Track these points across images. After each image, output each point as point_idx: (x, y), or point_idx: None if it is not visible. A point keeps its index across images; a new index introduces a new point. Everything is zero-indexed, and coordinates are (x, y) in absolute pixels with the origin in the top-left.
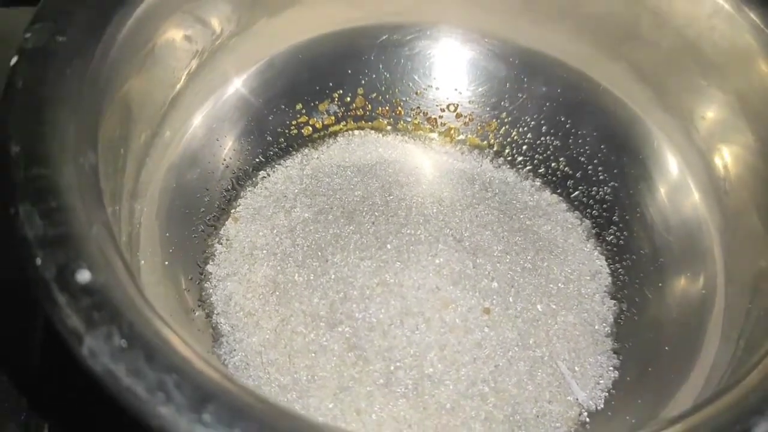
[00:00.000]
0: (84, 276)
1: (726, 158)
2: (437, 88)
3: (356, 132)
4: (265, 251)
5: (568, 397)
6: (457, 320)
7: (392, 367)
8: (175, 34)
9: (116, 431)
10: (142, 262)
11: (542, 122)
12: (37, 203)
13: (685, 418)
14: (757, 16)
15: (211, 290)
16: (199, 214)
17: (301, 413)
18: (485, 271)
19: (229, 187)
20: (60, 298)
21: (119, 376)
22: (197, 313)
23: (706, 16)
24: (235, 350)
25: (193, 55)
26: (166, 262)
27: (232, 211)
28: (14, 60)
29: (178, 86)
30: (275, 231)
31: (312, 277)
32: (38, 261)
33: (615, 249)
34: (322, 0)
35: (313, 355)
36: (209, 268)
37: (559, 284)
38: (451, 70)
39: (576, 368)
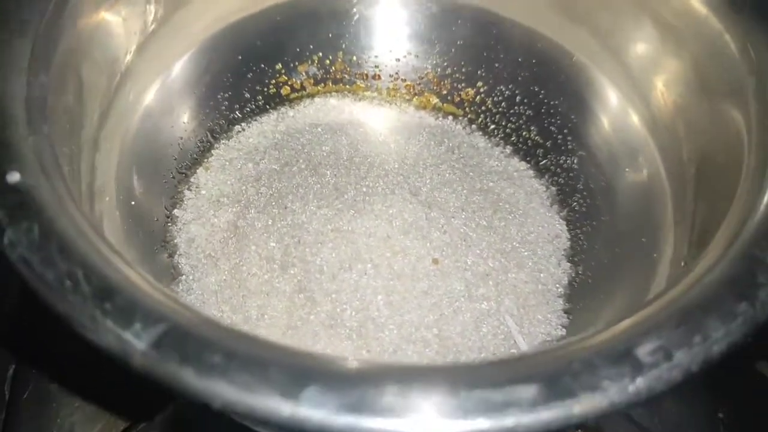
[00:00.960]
0: (14, 177)
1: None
2: (416, 56)
3: (334, 94)
4: (230, 198)
5: (513, 350)
6: (405, 268)
7: (339, 310)
8: None
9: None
10: (107, 199)
11: (516, 92)
12: None
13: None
14: None
15: (175, 233)
16: (171, 162)
17: (196, 309)
18: (438, 224)
19: (204, 138)
20: None
21: (33, 265)
22: (159, 253)
23: None
24: (192, 288)
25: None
26: (133, 203)
27: (204, 161)
28: None
29: (152, 28)
30: (242, 180)
31: (270, 223)
32: None
33: (577, 215)
34: None
35: (266, 295)
36: (176, 212)
37: (515, 243)
38: (430, 39)
39: (524, 324)
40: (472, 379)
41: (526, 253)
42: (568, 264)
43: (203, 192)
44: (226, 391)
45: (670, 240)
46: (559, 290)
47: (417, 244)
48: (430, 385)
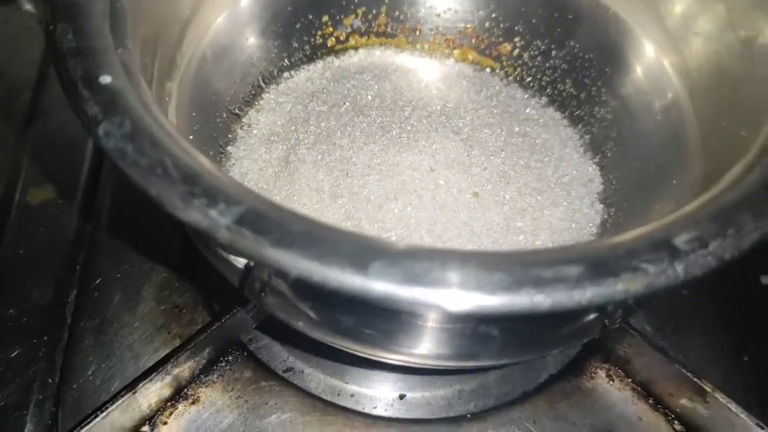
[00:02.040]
0: (106, 79)
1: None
2: (456, 11)
3: (378, 46)
4: (280, 137)
5: None
6: (448, 200)
7: (384, 236)
8: None
9: None
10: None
11: (552, 47)
12: (73, 21)
13: None
14: None
15: (228, 168)
16: (225, 102)
17: (276, 201)
18: (479, 161)
19: (255, 83)
20: (84, 92)
21: (128, 153)
22: None
23: None
24: None
25: None
26: (190, 137)
27: (255, 103)
28: None
29: None
30: (292, 120)
31: (319, 158)
32: (69, 65)
33: (610, 161)
34: None
35: None
36: (230, 149)
37: (551, 183)
38: None
39: None
40: (527, 260)
41: (561, 194)
42: (601, 206)
43: (255, 131)
44: (302, 263)
45: (699, 182)
46: (593, 230)
47: (459, 178)
48: (493, 265)
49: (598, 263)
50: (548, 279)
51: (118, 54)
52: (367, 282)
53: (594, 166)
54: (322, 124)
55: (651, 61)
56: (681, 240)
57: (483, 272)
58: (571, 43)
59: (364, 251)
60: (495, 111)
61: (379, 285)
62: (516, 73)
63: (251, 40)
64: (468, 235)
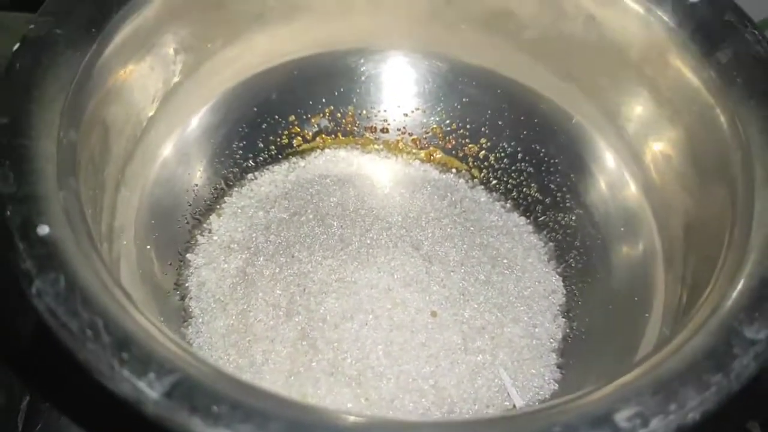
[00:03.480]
0: (43, 230)
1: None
2: (424, 111)
3: (343, 147)
4: (240, 245)
5: (506, 403)
6: (405, 320)
7: (339, 358)
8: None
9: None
10: (125, 242)
11: (518, 149)
12: (14, 166)
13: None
14: (664, 13)
15: (187, 276)
16: (186, 207)
17: (206, 360)
18: (438, 278)
19: (218, 186)
20: (20, 245)
21: (58, 314)
22: (171, 296)
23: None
24: (201, 331)
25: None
26: (148, 247)
27: (217, 207)
28: (16, 46)
29: (174, 80)
30: (252, 228)
31: (278, 271)
32: (7, 213)
33: (573, 271)
34: (317, 21)
35: (270, 341)
36: (189, 256)
37: (511, 298)
38: (437, 96)
39: (518, 377)
40: None
41: (522, 308)
42: (563, 319)
43: (215, 238)
44: None
45: (660, 301)
46: (554, 345)
47: (417, 297)
48: None
49: None
50: None
51: (60, 198)
52: None
53: (557, 276)
54: (282, 234)
55: (612, 172)
56: (622, 416)
57: None
58: (537, 147)
59: (296, 429)
60: (457, 220)
61: None
62: (482, 175)
63: (214, 141)
64: (425, 357)
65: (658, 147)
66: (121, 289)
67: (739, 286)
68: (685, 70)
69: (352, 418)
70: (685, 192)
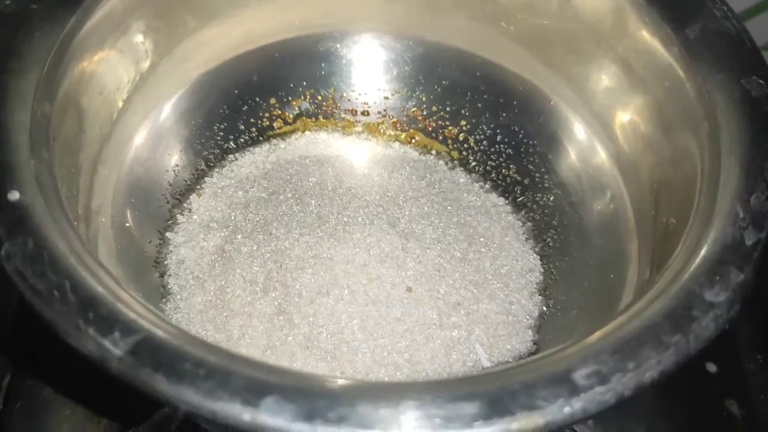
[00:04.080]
0: (14, 195)
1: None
2: (404, 94)
3: (324, 128)
4: (219, 223)
5: None
6: (380, 295)
7: (315, 332)
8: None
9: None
10: (103, 219)
11: (497, 132)
12: None
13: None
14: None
15: (166, 254)
16: (166, 187)
17: (171, 322)
18: (414, 255)
19: (199, 167)
20: None
21: (26, 276)
22: (150, 273)
23: None
24: (179, 308)
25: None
26: (127, 224)
27: (197, 188)
28: None
29: (147, 62)
30: (231, 207)
31: (255, 248)
32: None
33: (551, 250)
34: (298, 3)
35: (248, 316)
36: (168, 234)
37: (488, 275)
38: (417, 79)
39: (493, 353)
40: (418, 395)
41: (498, 285)
42: (540, 297)
43: (195, 217)
44: (192, 397)
45: (633, 276)
46: (530, 322)
47: (392, 273)
48: (380, 399)
49: (494, 400)
50: (441, 419)
51: (31, 166)
52: (257, 417)
53: (534, 255)
54: (261, 212)
55: (585, 147)
56: (580, 374)
57: (372, 408)
58: (516, 129)
59: (257, 386)
60: (436, 199)
61: (271, 421)
62: (461, 157)
63: (195, 122)
64: (401, 332)
65: (628, 118)
66: (91, 253)
67: (702, 252)
68: (656, 45)
69: (311, 376)
70: (655, 160)
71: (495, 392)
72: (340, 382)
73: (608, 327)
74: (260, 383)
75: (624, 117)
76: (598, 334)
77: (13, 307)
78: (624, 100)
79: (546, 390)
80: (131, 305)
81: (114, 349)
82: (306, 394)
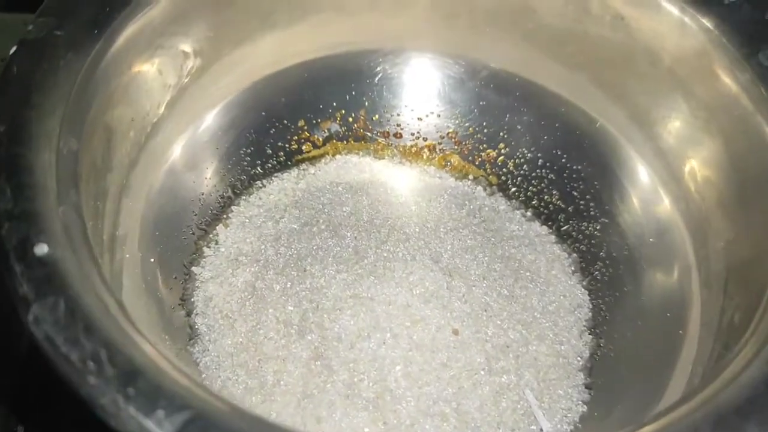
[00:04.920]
0: (42, 249)
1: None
2: (439, 115)
3: (354, 152)
4: (249, 257)
5: (532, 427)
6: (425, 339)
7: (356, 379)
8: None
9: None
10: (127, 255)
11: (539, 155)
12: (11, 179)
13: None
14: (709, 21)
15: (193, 291)
16: (192, 217)
17: (219, 395)
18: (459, 293)
19: (224, 194)
20: (16, 267)
21: (58, 343)
22: (177, 311)
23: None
24: (208, 350)
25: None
26: (152, 259)
27: (224, 217)
28: (14, 49)
29: (181, 84)
30: (261, 239)
31: (289, 285)
32: (3, 231)
33: (599, 284)
34: (329, 21)
35: (282, 361)
36: (194, 269)
37: (536, 314)
38: (453, 99)
39: (544, 399)
40: None
41: (547, 324)
42: (590, 336)
43: (222, 249)
44: None
45: (696, 318)
46: (581, 363)
47: (437, 314)
48: None
49: None
50: None
51: (60, 214)
52: None
53: (582, 289)
54: (293, 246)
55: (640, 180)
56: None
57: None
58: (558, 153)
59: None
60: (477, 230)
61: None
62: (500, 182)
63: (221, 148)
64: (447, 378)
65: (692, 155)
66: (126, 316)
67: None
68: (723, 73)
69: None
70: (723, 207)
71: None
72: None
73: (701, 396)
74: None
75: (688, 152)
76: (689, 405)
77: (21, 359)
78: (685, 131)
79: None
80: (174, 376)
81: (158, 430)
82: None
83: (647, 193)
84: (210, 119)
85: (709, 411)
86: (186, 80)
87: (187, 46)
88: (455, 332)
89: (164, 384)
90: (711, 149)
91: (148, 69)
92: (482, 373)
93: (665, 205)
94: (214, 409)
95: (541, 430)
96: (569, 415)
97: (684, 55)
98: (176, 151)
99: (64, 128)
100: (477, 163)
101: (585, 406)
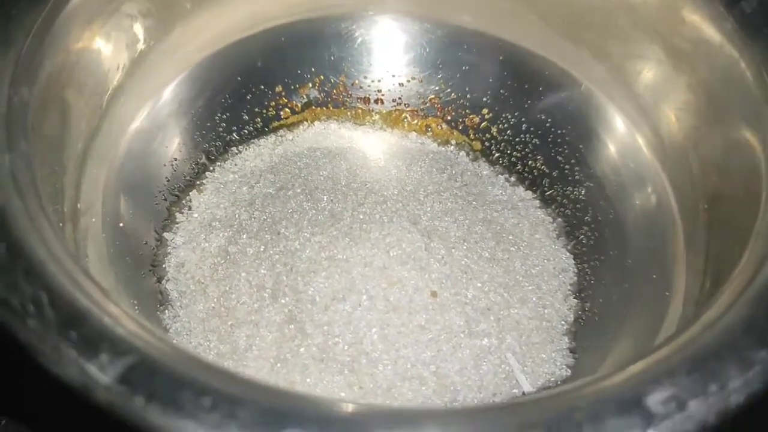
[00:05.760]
0: None
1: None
2: (420, 81)
3: (334, 118)
4: (222, 222)
5: (514, 390)
6: (402, 300)
7: (330, 343)
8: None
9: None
10: (93, 219)
11: (522, 120)
12: None
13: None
14: None
15: (164, 257)
16: (164, 183)
17: (169, 340)
18: (438, 255)
19: (199, 160)
20: None
21: None
22: (147, 278)
23: None
24: (178, 316)
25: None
26: (121, 224)
27: (198, 183)
28: None
29: (140, 45)
30: (236, 204)
31: (262, 249)
32: None
33: (585, 248)
34: None
35: (254, 325)
36: (166, 235)
37: (518, 277)
38: (435, 64)
39: (527, 363)
40: (469, 427)
41: (530, 288)
42: (575, 300)
43: (195, 215)
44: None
45: (682, 277)
46: (565, 327)
47: (415, 275)
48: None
49: (555, 427)
50: None
51: (6, 161)
52: None
53: (567, 254)
54: (268, 210)
55: (624, 139)
56: (655, 399)
57: None
58: (542, 117)
59: (273, 418)
60: (459, 194)
61: None
62: (483, 147)
63: (195, 112)
64: (425, 341)
65: (675, 108)
66: (75, 260)
67: None
68: (704, 23)
69: (335, 406)
70: (706, 156)
71: (556, 421)
72: (371, 409)
73: (678, 340)
74: (274, 414)
75: (668, 104)
76: (666, 349)
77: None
78: (668, 84)
79: (615, 419)
80: (121, 321)
81: (100, 375)
82: (329, 427)
83: (629, 150)
84: (180, 82)
85: (687, 355)
86: (150, 42)
87: (151, 4)
88: (434, 294)
89: (109, 327)
90: (692, 102)
91: (108, 27)
92: (462, 335)
93: (646, 159)
94: (159, 353)
95: (524, 394)
96: (552, 378)
97: (664, 7)
98: (142, 116)
99: (16, 77)
100: (460, 128)
101: (569, 370)
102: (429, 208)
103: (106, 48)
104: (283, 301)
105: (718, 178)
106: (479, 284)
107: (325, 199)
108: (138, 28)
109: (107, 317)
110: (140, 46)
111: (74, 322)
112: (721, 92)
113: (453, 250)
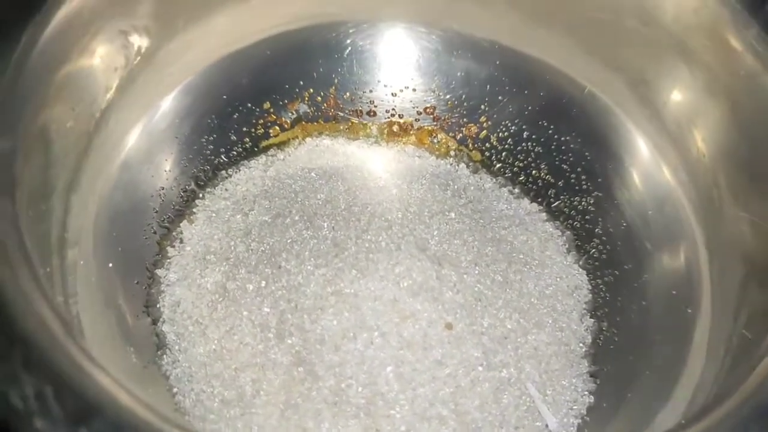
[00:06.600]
0: None
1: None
2: (414, 90)
3: (326, 134)
4: (218, 255)
5: (537, 423)
6: (416, 335)
7: (343, 385)
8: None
9: None
10: (81, 262)
11: (523, 127)
12: None
13: None
14: None
15: (158, 296)
16: (153, 214)
17: (184, 425)
18: (450, 283)
19: (188, 187)
20: None
21: None
22: (141, 320)
23: None
24: (178, 361)
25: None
26: (110, 264)
27: (188, 212)
28: None
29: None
30: (230, 234)
31: (263, 285)
32: None
33: (597, 263)
34: None
35: (260, 368)
36: (159, 272)
37: (533, 299)
38: (429, 72)
39: (547, 392)
40: None
41: (545, 310)
42: (591, 319)
43: (188, 248)
44: None
45: (708, 295)
46: (583, 350)
47: (428, 308)
48: None
49: None
50: None
51: None
52: None
53: (579, 270)
54: (266, 240)
55: (636, 147)
56: None
57: None
58: (544, 124)
59: None
60: (464, 212)
61: None
62: (484, 158)
63: (179, 137)
64: (443, 377)
65: (693, 120)
66: (77, 341)
67: None
68: (726, 30)
69: None
70: (731, 175)
71: None
72: None
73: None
74: None
75: (684, 115)
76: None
77: None
78: (684, 92)
79: None
80: (138, 413)
81: None
82: None
83: (644, 163)
84: (165, 106)
85: (756, 406)
86: (135, 62)
87: (131, 26)
88: (448, 326)
89: (124, 422)
90: (714, 114)
91: (88, 54)
92: (480, 368)
93: (665, 175)
94: None
95: (547, 426)
96: (575, 407)
97: (682, 11)
98: (130, 143)
99: None
100: (458, 139)
101: (591, 396)
102: (436, 231)
103: (89, 74)
104: (289, 341)
105: (746, 193)
106: (494, 311)
107: (325, 226)
108: (128, 47)
109: (121, 410)
110: (130, 63)
111: (85, 418)
112: (746, 104)
113: (465, 276)
